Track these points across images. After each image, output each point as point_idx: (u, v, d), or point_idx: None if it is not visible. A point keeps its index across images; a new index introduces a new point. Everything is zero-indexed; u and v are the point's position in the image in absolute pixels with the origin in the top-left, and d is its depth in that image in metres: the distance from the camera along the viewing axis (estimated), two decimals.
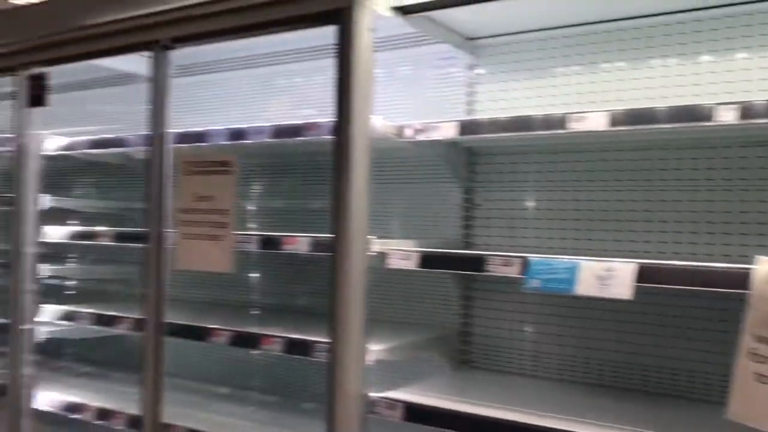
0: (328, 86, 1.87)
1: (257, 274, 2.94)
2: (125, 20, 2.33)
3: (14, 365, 2.63)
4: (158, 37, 2.27)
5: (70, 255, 3.38)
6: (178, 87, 2.29)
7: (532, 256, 1.77)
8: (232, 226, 2.13)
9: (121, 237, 2.62)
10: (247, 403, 2.80)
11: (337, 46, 1.90)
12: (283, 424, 2.53)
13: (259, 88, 2.97)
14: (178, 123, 2.32)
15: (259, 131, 2.26)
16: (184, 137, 2.37)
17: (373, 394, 1.91)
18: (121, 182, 3.23)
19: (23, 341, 2.63)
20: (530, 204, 2.35)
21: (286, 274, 2.87)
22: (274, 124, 2.25)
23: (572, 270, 1.68)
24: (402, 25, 2.16)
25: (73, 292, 3.28)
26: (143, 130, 2.69)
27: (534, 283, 1.74)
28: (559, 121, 1.88)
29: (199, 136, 2.36)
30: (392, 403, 1.88)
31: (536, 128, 1.92)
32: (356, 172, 1.86)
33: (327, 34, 1.96)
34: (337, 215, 1.87)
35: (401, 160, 2.55)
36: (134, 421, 2.41)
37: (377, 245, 1.96)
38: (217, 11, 2.16)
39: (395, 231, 2.52)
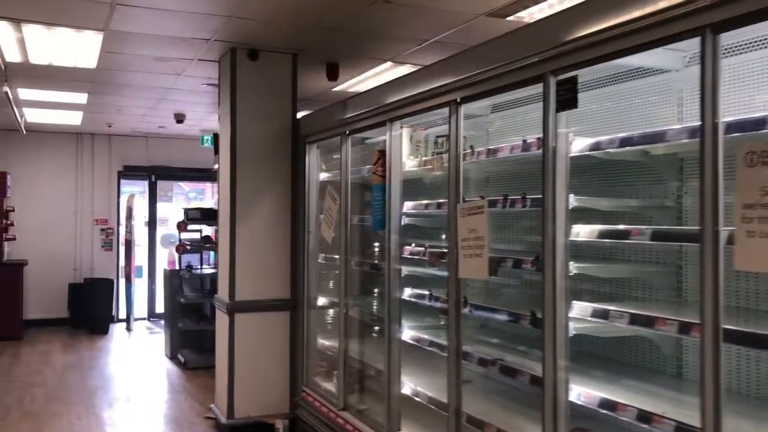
0: None
1: None
2: (665, 11, 2.24)
3: (549, 359, 2.77)
4: (708, 21, 2.11)
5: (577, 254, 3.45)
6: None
7: None
8: None
9: (658, 236, 2.52)
10: None
11: None
12: None
13: None
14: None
15: None
16: (741, 125, 2.15)
17: None
18: (633, 179, 3.16)
19: (558, 336, 2.75)
20: None
21: None
22: None
23: None
24: None
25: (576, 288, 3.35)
26: (657, 126, 2.57)
27: None
28: None
29: (761, 123, 2.12)
30: None
31: None
32: None
33: None
34: None
35: None
36: (680, 430, 2.29)
37: None
38: None
39: None
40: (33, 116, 9.37)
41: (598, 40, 2.51)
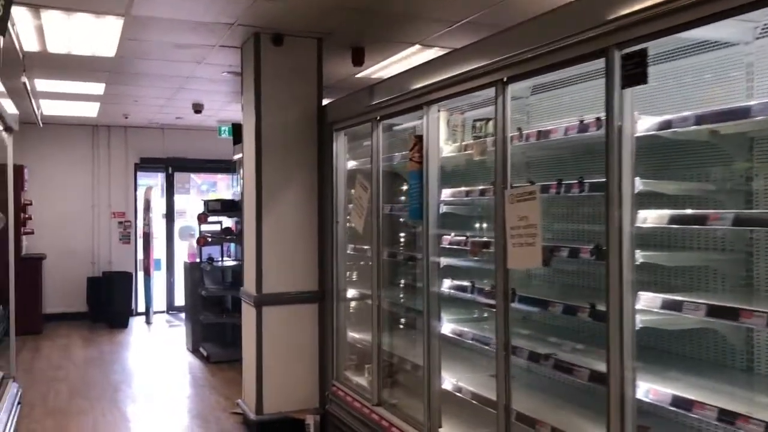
0: None
1: None
2: None
3: (615, 354, 2.58)
4: None
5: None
6: None
7: None
8: None
9: (740, 221, 2.32)
10: None
11: None
12: None
13: None
14: None
15: None
16: None
17: None
18: (699, 161, 2.96)
19: (625, 330, 2.56)
20: None
21: None
22: None
23: None
24: None
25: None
26: (720, 104, 2.36)
27: None
28: None
29: None
30: None
31: None
32: None
33: None
34: None
35: None
36: None
37: None
38: None
39: None
40: (50, 108, 9.24)
41: (674, 8, 2.30)
